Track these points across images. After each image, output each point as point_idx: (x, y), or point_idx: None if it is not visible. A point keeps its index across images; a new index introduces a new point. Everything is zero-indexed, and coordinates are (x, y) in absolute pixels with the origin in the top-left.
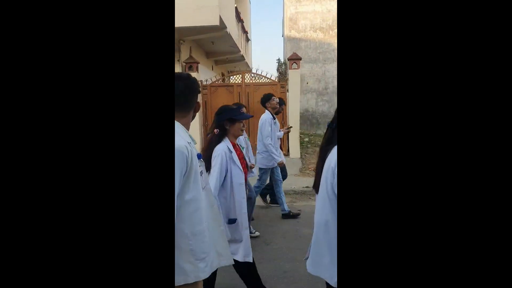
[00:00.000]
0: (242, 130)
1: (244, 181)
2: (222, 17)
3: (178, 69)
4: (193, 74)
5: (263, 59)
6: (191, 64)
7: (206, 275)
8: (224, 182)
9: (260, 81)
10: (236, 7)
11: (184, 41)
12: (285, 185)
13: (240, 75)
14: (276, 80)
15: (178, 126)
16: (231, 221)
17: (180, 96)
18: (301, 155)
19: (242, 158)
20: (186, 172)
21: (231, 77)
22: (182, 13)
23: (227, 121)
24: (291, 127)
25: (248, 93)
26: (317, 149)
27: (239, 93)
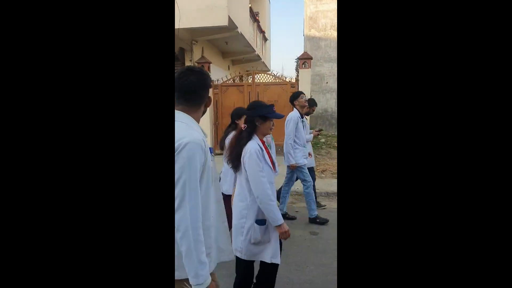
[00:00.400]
0: (271, 129)
1: (273, 180)
2: (232, 18)
3: None
4: None
5: (284, 58)
6: (203, 64)
7: (210, 269)
8: None
9: (270, 80)
10: (250, 7)
11: (197, 42)
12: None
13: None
14: (287, 80)
15: (191, 120)
16: (261, 222)
17: (192, 90)
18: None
19: (270, 157)
20: (203, 164)
21: (243, 76)
22: (192, 13)
23: (259, 118)
24: (321, 129)
25: (258, 92)
26: (332, 150)
27: (249, 92)
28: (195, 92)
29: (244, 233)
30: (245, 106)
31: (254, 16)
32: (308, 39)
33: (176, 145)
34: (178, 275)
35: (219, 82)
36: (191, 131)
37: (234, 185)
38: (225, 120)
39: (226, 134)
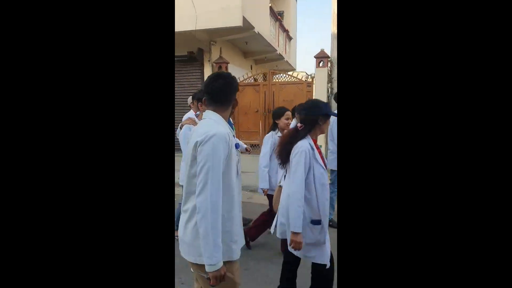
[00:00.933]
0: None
1: (326, 182)
2: (247, 18)
3: (208, 69)
4: None
5: (311, 57)
6: (221, 64)
7: (237, 256)
8: (307, 181)
9: (286, 80)
10: (271, 7)
11: (215, 42)
12: None
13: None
14: (302, 79)
15: (219, 118)
16: (315, 222)
17: (220, 93)
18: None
19: (322, 157)
20: (227, 157)
21: (266, 75)
22: (208, 15)
23: (322, 117)
24: None
25: (273, 92)
26: None
27: (265, 92)
28: (223, 94)
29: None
30: (261, 106)
31: (275, 15)
32: (335, 37)
33: (202, 137)
34: (200, 260)
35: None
36: (217, 126)
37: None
38: (241, 119)
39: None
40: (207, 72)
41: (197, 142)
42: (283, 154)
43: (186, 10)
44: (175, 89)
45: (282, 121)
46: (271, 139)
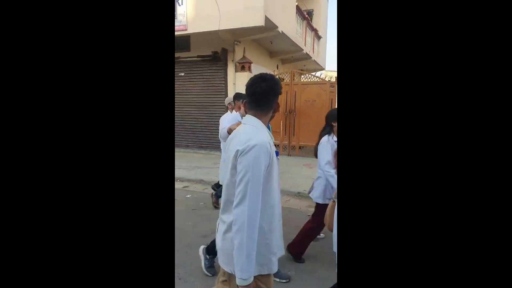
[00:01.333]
0: None
1: None
2: (270, 18)
3: (231, 68)
4: (245, 74)
5: None
6: (244, 64)
7: (275, 269)
8: None
9: (308, 80)
10: (297, 6)
11: (239, 42)
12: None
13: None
14: (325, 79)
15: (260, 124)
16: None
17: (262, 97)
18: None
19: None
20: (268, 166)
21: (295, 75)
22: (231, 15)
23: None
24: None
25: (295, 92)
26: None
27: (286, 92)
28: (265, 98)
29: None
30: (282, 106)
31: (302, 14)
32: None
33: (244, 146)
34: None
35: None
36: (259, 134)
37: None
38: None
39: (320, 138)
40: (230, 71)
41: (238, 151)
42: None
43: (210, 10)
44: (199, 88)
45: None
46: (329, 144)
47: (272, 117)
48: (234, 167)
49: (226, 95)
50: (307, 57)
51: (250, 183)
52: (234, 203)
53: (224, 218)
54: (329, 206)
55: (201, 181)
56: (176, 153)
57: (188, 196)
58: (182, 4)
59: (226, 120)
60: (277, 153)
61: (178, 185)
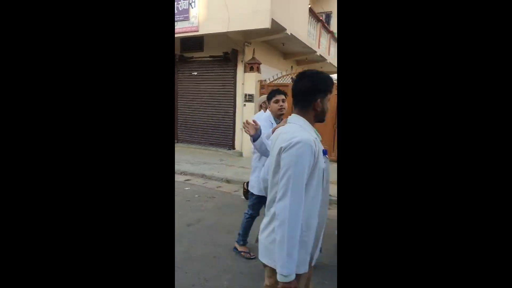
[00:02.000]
0: None
1: None
2: (277, 19)
3: (241, 69)
4: (253, 74)
5: None
6: (252, 65)
7: (308, 269)
8: None
9: None
10: (310, 8)
11: (250, 43)
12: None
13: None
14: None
15: (304, 122)
16: None
17: (300, 93)
18: None
19: None
20: (312, 165)
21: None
22: (240, 17)
23: None
24: None
25: None
26: None
27: None
28: (302, 95)
29: None
30: (289, 106)
31: (315, 16)
32: None
33: (287, 143)
34: (273, 264)
35: (266, 82)
36: (302, 132)
37: None
38: None
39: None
40: (240, 72)
41: (281, 148)
42: None
43: (220, 12)
44: (210, 87)
45: None
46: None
47: (320, 118)
48: (277, 164)
49: (235, 95)
50: (322, 59)
51: (292, 180)
52: (277, 198)
53: (268, 212)
54: None
55: (203, 176)
56: (186, 149)
57: (187, 188)
58: (194, 6)
59: (262, 119)
60: (325, 152)
61: (181, 178)
